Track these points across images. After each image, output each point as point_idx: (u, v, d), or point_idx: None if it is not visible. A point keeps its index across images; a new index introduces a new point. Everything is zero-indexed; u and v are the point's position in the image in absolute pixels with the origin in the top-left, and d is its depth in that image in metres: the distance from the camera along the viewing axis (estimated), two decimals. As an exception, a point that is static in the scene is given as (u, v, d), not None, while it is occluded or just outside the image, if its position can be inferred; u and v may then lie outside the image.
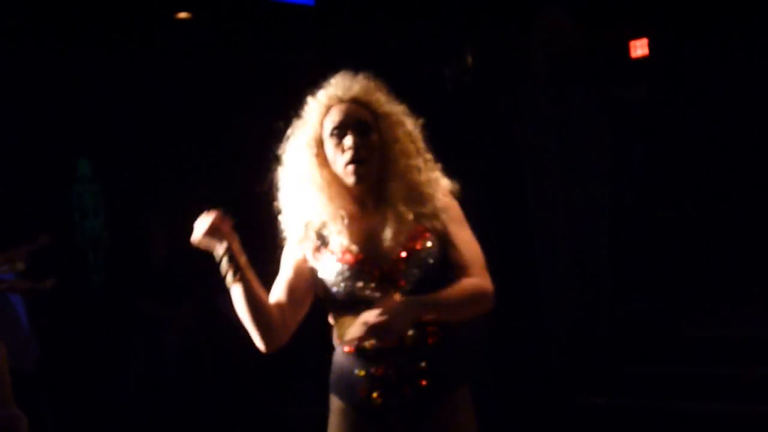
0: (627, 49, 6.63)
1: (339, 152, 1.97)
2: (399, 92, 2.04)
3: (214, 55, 5.81)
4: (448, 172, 2.05)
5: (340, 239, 1.95)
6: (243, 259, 1.90)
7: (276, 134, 2.04)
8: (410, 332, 1.86)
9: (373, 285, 1.90)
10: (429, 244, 1.94)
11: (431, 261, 1.94)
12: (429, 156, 2.06)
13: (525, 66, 5.65)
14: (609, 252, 5.53)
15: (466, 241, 2.00)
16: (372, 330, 1.79)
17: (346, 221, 1.96)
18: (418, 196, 1.98)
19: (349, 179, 1.96)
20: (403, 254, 1.92)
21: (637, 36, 6.65)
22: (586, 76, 5.54)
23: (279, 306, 1.95)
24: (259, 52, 5.92)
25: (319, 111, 2.02)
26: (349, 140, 1.95)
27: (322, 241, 1.98)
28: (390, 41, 5.66)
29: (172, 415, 4.99)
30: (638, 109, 6.31)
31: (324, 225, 1.98)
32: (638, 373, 5.16)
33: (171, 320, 5.02)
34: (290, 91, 2.12)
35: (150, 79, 5.64)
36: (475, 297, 1.95)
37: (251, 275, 1.91)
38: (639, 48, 6.65)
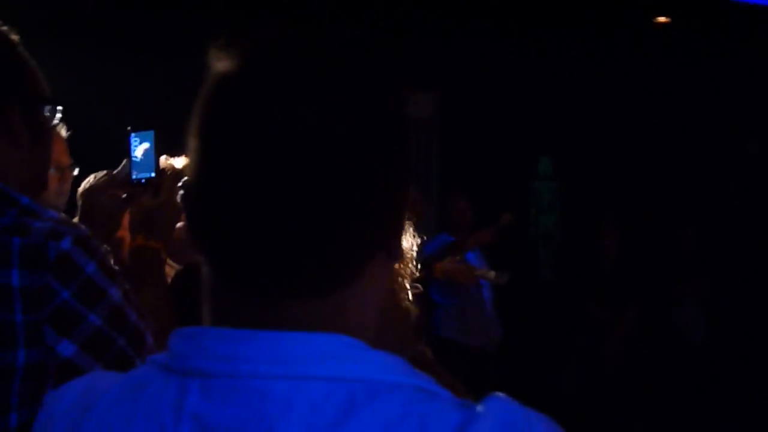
0: None
1: None
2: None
3: (683, 59, 5.57)
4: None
5: None
6: None
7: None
8: None
9: None
10: None
11: None
12: None
13: None
14: None
15: None
16: None
17: None
18: None
19: None
20: None
21: None
22: None
23: None
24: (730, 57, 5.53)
25: None
26: None
27: None
28: None
29: (599, 420, 4.90)
30: None
31: None
32: None
33: (614, 326, 4.92)
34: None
35: (613, 81, 5.59)
36: None
37: None
38: None
